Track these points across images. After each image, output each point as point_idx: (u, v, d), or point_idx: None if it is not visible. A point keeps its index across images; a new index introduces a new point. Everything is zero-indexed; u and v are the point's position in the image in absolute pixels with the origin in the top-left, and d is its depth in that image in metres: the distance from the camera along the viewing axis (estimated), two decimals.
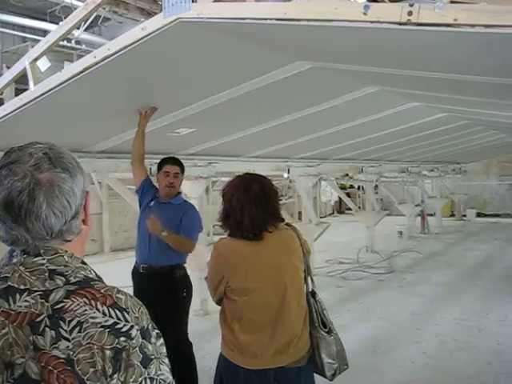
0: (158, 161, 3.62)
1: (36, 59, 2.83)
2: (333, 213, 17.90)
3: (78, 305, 0.90)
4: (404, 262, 8.99)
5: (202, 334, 4.59)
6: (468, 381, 3.99)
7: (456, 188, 15.05)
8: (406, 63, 2.51)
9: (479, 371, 4.13)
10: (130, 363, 0.89)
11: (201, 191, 5.71)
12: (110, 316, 0.91)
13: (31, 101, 2.77)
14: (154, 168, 4.02)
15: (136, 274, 3.52)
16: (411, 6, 1.56)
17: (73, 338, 0.87)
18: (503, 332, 5.04)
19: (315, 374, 2.23)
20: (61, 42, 5.10)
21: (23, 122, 3.13)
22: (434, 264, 8.78)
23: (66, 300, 0.90)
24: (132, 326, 0.92)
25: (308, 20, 1.81)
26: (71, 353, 0.86)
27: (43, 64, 5.41)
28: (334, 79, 3.31)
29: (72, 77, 2.54)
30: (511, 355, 4.43)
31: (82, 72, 2.49)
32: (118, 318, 0.91)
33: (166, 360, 0.96)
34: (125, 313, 0.93)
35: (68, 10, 8.67)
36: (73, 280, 0.93)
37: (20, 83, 3.61)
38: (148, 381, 0.91)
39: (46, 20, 11.62)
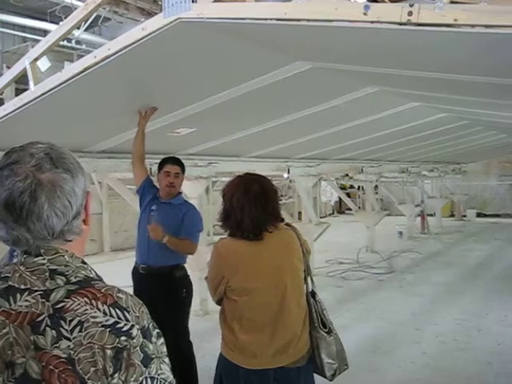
0: (158, 161, 3.62)
1: (36, 59, 2.84)
2: (333, 213, 17.91)
3: (79, 304, 0.90)
4: (404, 262, 8.99)
5: (202, 334, 4.59)
6: (468, 381, 3.99)
7: (456, 188, 15.05)
8: (406, 63, 2.51)
9: (479, 371, 4.13)
10: (131, 362, 0.89)
11: (201, 191, 5.71)
12: (111, 315, 0.91)
13: (31, 101, 2.77)
14: (154, 168, 4.02)
15: (136, 274, 3.52)
16: (411, 6, 1.56)
17: (74, 338, 0.87)
18: (503, 332, 5.04)
19: (315, 374, 2.23)
20: (61, 42, 5.11)
21: (23, 122, 3.14)
22: (434, 264, 8.78)
23: (66, 300, 0.90)
24: (133, 326, 0.92)
25: (308, 20, 1.81)
26: (72, 352, 0.86)
27: (43, 64, 5.42)
28: (334, 79, 3.31)
29: (72, 77, 2.54)
30: (511, 355, 4.43)
31: (82, 72, 2.49)
32: (119, 318, 0.91)
33: (167, 359, 0.96)
34: (125, 312, 0.93)
35: (68, 10, 8.67)
36: (73, 280, 0.93)
37: (20, 83, 3.61)
38: (149, 380, 0.91)
39: (46, 20, 11.63)
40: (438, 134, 6.64)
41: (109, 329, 0.90)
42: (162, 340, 0.97)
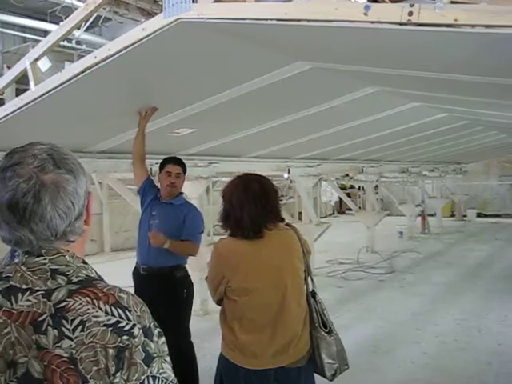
0: (159, 161, 3.62)
1: (37, 59, 2.84)
2: (333, 213, 17.91)
3: (81, 304, 0.90)
4: (404, 262, 8.99)
5: (202, 334, 4.59)
6: (468, 381, 3.99)
7: (456, 188, 15.06)
8: (407, 63, 2.51)
9: (479, 371, 4.13)
10: (133, 361, 0.90)
11: (201, 191, 5.71)
12: (113, 315, 0.91)
13: (32, 101, 2.77)
14: (155, 168, 4.02)
15: (137, 274, 3.52)
16: (411, 6, 1.56)
17: (76, 337, 0.87)
18: (503, 332, 5.04)
19: (315, 374, 2.23)
20: (61, 43, 5.11)
21: (24, 123, 3.14)
22: (434, 264, 8.79)
23: (68, 299, 0.90)
24: (134, 325, 0.92)
25: (308, 20, 1.81)
26: (74, 352, 0.87)
27: (44, 64, 5.43)
28: (334, 79, 3.31)
29: (73, 77, 2.54)
30: (511, 355, 4.43)
31: (82, 72, 2.50)
32: (121, 317, 0.92)
33: (168, 358, 0.96)
34: (127, 311, 0.93)
35: (68, 10, 8.66)
36: (75, 279, 0.94)
37: (21, 83, 3.61)
38: (150, 379, 0.91)
39: (46, 20, 11.62)
40: (438, 134, 6.64)
41: (111, 328, 0.90)
42: (163, 339, 0.97)
